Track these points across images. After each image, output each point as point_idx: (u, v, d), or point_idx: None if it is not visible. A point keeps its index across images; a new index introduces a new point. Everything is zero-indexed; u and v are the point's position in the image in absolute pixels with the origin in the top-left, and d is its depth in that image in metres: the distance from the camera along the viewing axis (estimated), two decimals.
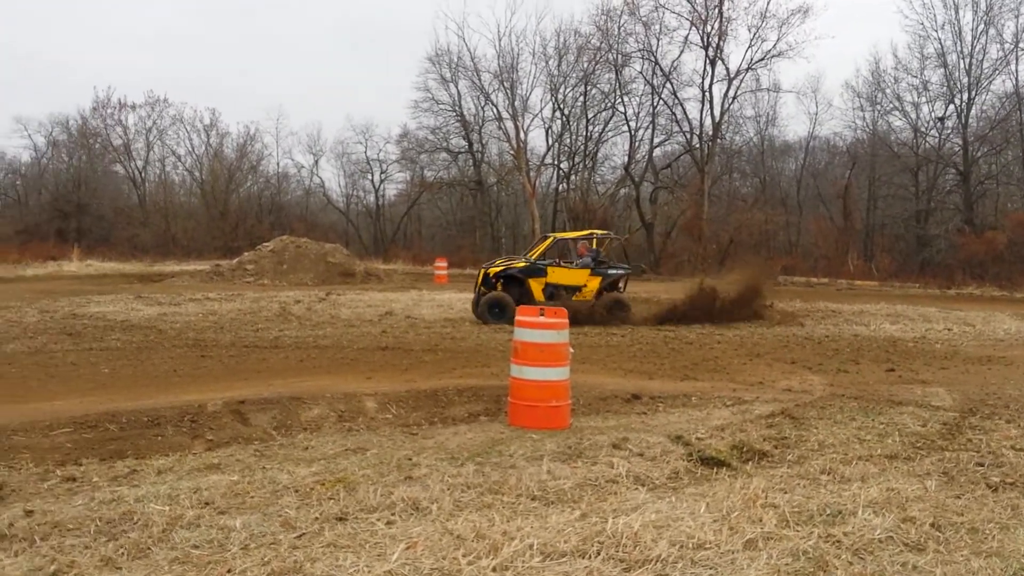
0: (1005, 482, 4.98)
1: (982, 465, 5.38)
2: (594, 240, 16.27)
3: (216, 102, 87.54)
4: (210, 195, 45.30)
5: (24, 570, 3.38)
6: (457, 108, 43.15)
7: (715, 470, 5.24)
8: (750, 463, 5.43)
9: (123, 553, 3.54)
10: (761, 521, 4.10)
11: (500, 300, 14.40)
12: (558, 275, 15.11)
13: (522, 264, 15.27)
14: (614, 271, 15.61)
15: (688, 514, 4.21)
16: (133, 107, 45.56)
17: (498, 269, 15.23)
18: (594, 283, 15.18)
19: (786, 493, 4.64)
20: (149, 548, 3.61)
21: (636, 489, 4.74)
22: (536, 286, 14.88)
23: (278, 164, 49.28)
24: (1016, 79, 34.06)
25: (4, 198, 47.79)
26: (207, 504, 4.20)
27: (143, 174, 47.11)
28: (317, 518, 4.01)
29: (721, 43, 37.29)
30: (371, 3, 77.08)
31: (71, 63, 71.68)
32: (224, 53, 74.37)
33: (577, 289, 15.07)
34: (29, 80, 65.09)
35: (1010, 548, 3.83)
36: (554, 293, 14.89)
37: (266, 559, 3.50)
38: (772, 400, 7.88)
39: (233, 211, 44.69)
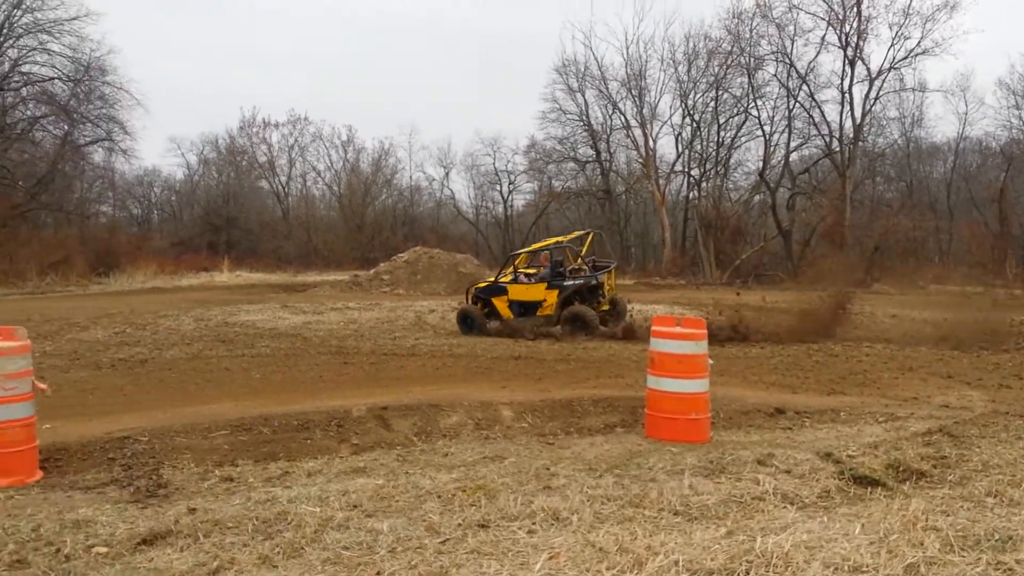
0: None
1: None
2: (567, 250, 15.45)
3: (352, 119, 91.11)
4: (348, 208, 47.19)
5: (189, 565, 3.57)
6: (584, 117, 43.24)
7: (869, 489, 4.96)
8: (907, 483, 5.11)
9: (279, 552, 3.69)
10: (922, 545, 3.84)
11: (467, 312, 14.88)
12: (517, 292, 14.85)
13: (484, 284, 15.55)
14: (571, 283, 14.50)
15: (842, 535, 3.99)
16: (276, 126, 48.24)
17: (479, 287, 15.53)
18: (552, 296, 14.43)
19: (948, 516, 4.33)
20: (303, 548, 3.74)
21: (784, 507, 4.55)
22: (500, 304, 14.86)
23: (410, 177, 50.87)
24: None
25: (161, 213, 51.41)
26: (355, 507, 4.33)
27: (286, 189, 49.69)
28: (460, 524, 4.05)
29: (861, 43, 35.68)
30: (498, 18, 78.47)
31: (221, 86, 76.39)
32: (360, 72, 77.45)
33: (538, 304, 14.57)
34: (183, 103, 69.83)
35: None
36: (522, 311, 14.66)
37: (413, 563, 3.56)
38: (928, 417, 7.41)
39: (369, 223, 46.35)
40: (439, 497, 4.52)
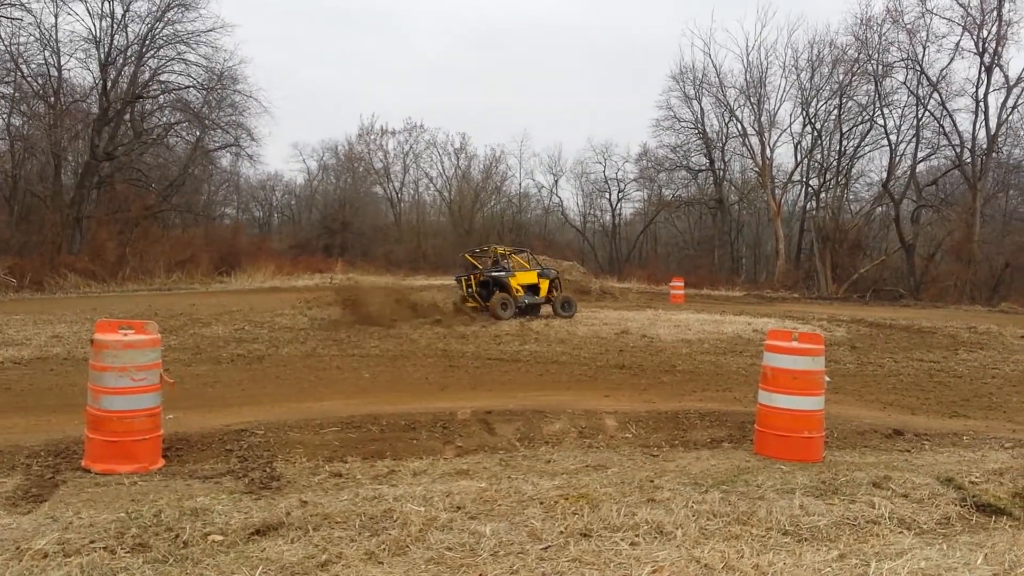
0: None
1: None
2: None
3: (466, 126, 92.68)
4: (457, 214, 47.94)
5: (299, 557, 3.69)
6: (699, 125, 42.58)
7: (993, 518, 4.67)
8: None
9: (384, 549, 3.77)
10: None
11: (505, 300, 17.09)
12: (523, 278, 17.60)
13: (496, 273, 17.62)
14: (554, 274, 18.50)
15: (962, 564, 3.78)
16: (393, 133, 49.51)
17: (492, 275, 17.56)
18: (544, 284, 17.86)
19: None
20: (407, 546, 3.81)
21: (901, 533, 4.34)
22: (514, 284, 17.33)
23: (520, 184, 51.28)
24: None
25: (281, 216, 53.57)
26: (459, 508, 4.38)
27: (399, 195, 50.88)
28: (562, 532, 4.04)
29: (999, 48, 33.70)
30: (615, 26, 78.20)
31: (343, 94, 79.02)
32: (475, 79, 78.65)
33: (537, 286, 17.80)
34: (306, 110, 72.56)
35: None
36: (529, 292, 17.59)
37: (515, 567, 3.57)
38: None
39: (478, 229, 46.90)
40: (541, 503, 4.52)
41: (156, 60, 32.45)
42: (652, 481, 5.15)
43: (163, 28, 31.62)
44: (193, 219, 37.60)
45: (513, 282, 17.32)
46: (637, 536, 4.05)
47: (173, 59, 32.59)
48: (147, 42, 31.50)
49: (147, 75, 32.40)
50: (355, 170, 50.09)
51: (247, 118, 34.68)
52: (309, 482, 5.16)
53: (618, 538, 4.00)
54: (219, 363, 10.37)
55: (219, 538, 3.90)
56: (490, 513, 4.34)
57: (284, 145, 63.05)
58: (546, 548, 3.83)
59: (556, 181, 51.28)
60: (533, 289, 17.72)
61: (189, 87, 33.23)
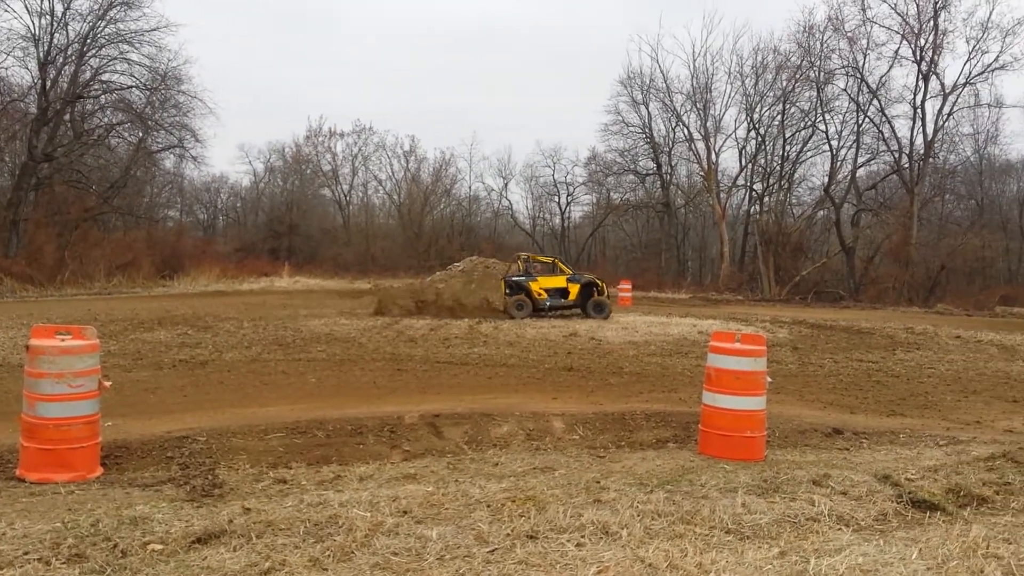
0: None
1: None
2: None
3: (416, 129, 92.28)
4: (406, 217, 47.73)
5: (242, 565, 3.63)
6: (647, 130, 43.10)
7: (928, 514, 4.81)
8: (967, 509, 4.94)
9: (329, 555, 3.73)
10: (982, 573, 3.73)
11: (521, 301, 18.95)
12: (545, 282, 19.40)
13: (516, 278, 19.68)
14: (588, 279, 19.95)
15: (898, 559, 3.89)
16: (342, 135, 49.10)
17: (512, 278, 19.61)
18: (574, 288, 19.43)
19: (1011, 544, 4.18)
20: (353, 552, 3.78)
21: (839, 529, 4.44)
22: (535, 288, 19.18)
23: (470, 187, 51.24)
24: None
25: (226, 219, 52.70)
26: (405, 513, 4.35)
27: (348, 197, 50.47)
28: (509, 534, 4.05)
29: (936, 57, 34.85)
30: (563, 31, 78.68)
31: (291, 95, 78.06)
32: (425, 83, 78.37)
33: (563, 290, 19.34)
34: (252, 111, 71.52)
35: None
36: (551, 295, 19.17)
37: (461, 571, 3.57)
38: (991, 441, 7.18)
39: (427, 232, 46.81)
40: (488, 506, 4.52)
41: (98, 59, 31.76)
42: (598, 482, 5.19)
43: (105, 27, 30.95)
44: (135, 221, 36.80)
45: (534, 286, 19.07)
46: (583, 537, 4.07)
47: (115, 58, 31.93)
48: (88, 41, 30.78)
49: (88, 74, 31.66)
50: (302, 172, 49.54)
51: (191, 119, 34.15)
52: (252, 489, 5.08)
53: (564, 539, 4.02)
54: (161, 369, 10.16)
55: (159, 547, 3.82)
56: (437, 517, 4.32)
57: (230, 146, 62.26)
58: (492, 551, 3.83)
59: (506, 184, 51.50)
60: (561, 293, 19.16)
61: (132, 87, 32.57)
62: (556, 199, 49.93)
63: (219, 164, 78.32)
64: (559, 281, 19.35)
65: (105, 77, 32.27)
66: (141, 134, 34.15)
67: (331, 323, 15.95)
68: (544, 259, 21.38)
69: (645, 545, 3.98)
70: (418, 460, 5.99)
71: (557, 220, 50.47)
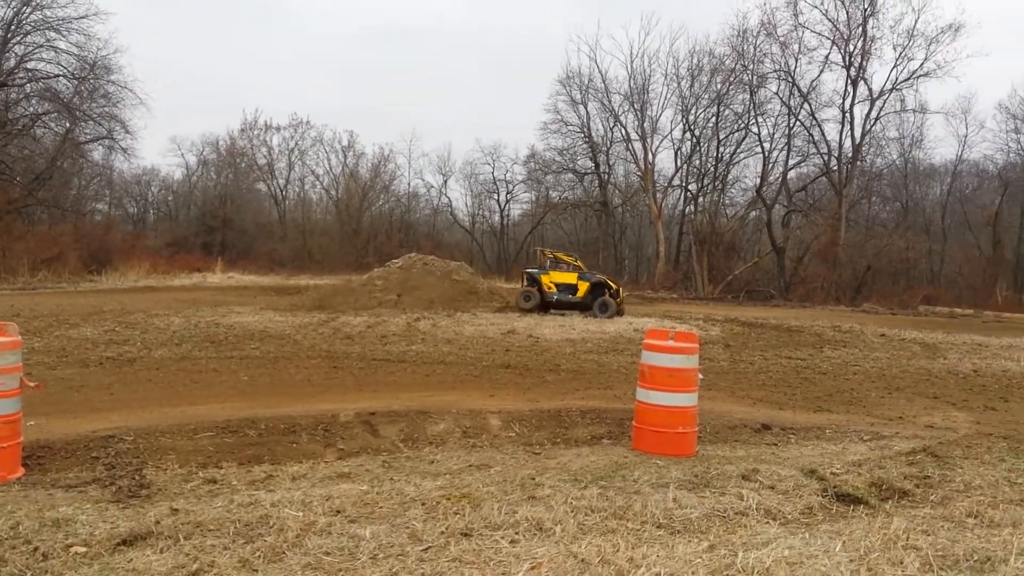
0: None
1: None
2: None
3: (354, 124, 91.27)
4: (344, 213, 47.21)
5: (168, 567, 3.55)
6: (585, 129, 43.50)
7: (852, 507, 4.97)
8: (889, 502, 5.13)
9: (260, 556, 3.68)
10: (902, 563, 3.86)
11: (529, 292, 20.13)
12: (557, 276, 20.29)
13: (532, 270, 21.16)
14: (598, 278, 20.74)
15: (823, 552, 4.01)
16: (278, 128, 48.30)
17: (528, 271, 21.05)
18: (583, 285, 20.22)
19: (929, 535, 4.35)
20: (284, 552, 3.73)
21: (767, 523, 4.56)
22: (545, 281, 20.16)
23: (409, 184, 51.10)
24: None
25: (157, 213, 51.38)
26: (338, 512, 4.32)
27: (284, 192, 49.71)
28: (443, 532, 4.05)
29: (864, 63, 36.01)
30: (504, 29, 78.74)
31: (225, 88, 76.46)
32: (363, 78, 77.64)
33: (572, 286, 20.19)
34: (186, 103, 69.83)
35: None
36: (560, 289, 20.00)
37: (394, 570, 3.56)
38: (913, 436, 7.44)
39: (365, 228, 46.39)
40: (423, 504, 4.51)
41: (23, 47, 30.64)
42: (534, 479, 5.22)
43: (31, 13, 29.87)
44: (61, 215, 35.61)
45: (545, 279, 20.08)
46: (517, 533, 4.10)
47: (42, 46, 30.84)
48: (12, 27, 29.66)
49: (12, 62, 30.50)
50: (237, 166, 48.60)
51: (121, 110, 33.20)
52: (181, 489, 4.97)
53: (499, 536, 4.04)
54: (87, 366, 9.85)
55: (82, 550, 3.72)
56: (371, 516, 4.30)
57: (161, 139, 60.67)
58: (426, 549, 3.83)
59: (445, 181, 51.32)
60: (570, 289, 19.99)
61: (59, 76, 31.51)
62: (495, 197, 50.11)
63: (150, 156, 76.38)
64: (570, 277, 20.16)
65: (31, 65, 31.19)
66: (68, 124, 33.06)
67: (265, 320, 15.68)
68: (568, 258, 21.95)
69: (578, 540, 4.02)
70: (353, 459, 5.94)
71: (496, 218, 50.65)
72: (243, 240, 45.27)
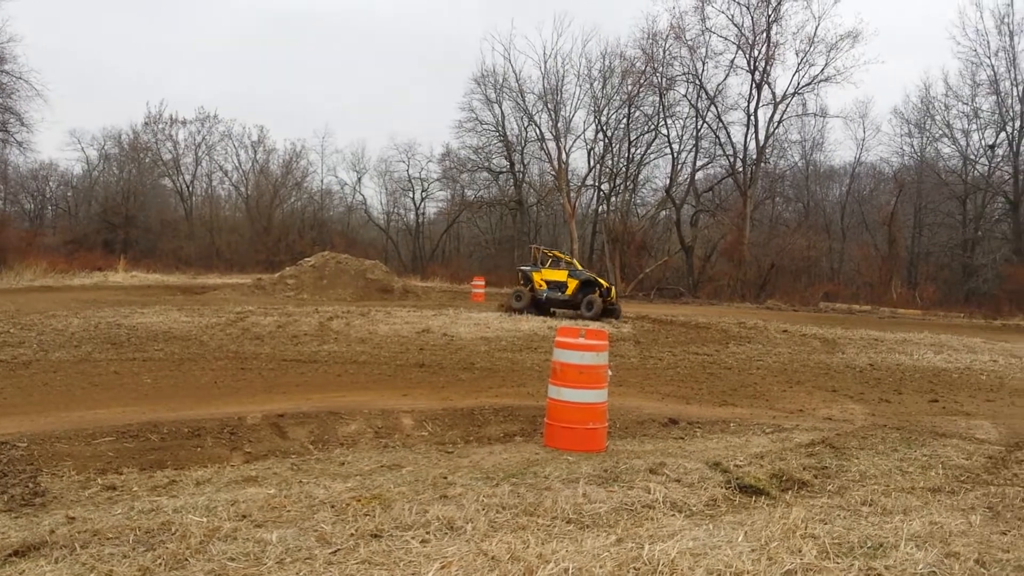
0: None
1: None
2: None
3: (265, 120, 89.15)
4: (255, 210, 46.06)
5: None
6: (500, 128, 43.60)
7: (754, 498, 5.15)
8: (789, 492, 5.33)
9: (160, 564, 3.57)
10: (800, 552, 4.02)
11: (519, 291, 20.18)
12: (548, 274, 20.04)
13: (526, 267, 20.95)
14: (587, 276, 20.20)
15: (726, 542, 4.14)
16: (184, 123, 46.67)
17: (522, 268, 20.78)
18: (572, 283, 19.70)
19: (826, 524, 4.54)
20: (186, 560, 3.64)
21: (673, 515, 4.67)
22: (536, 278, 20.01)
23: (322, 181, 50.19)
24: None
25: (55, 209, 49.08)
26: (244, 517, 4.23)
27: (190, 188, 48.12)
28: (353, 534, 4.01)
29: (768, 67, 37.22)
30: (417, 24, 78.22)
31: (127, 79, 73.57)
32: (275, 72, 75.92)
33: (563, 284, 19.68)
34: (86, 95, 66.93)
35: None
36: (551, 287, 19.79)
37: (301, 573, 3.51)
38: (812, 429, 7.75)
39: (276, 226, 45.37)
40: (332, 507, 4.46)
41: None
42: (445, 478, 5.22)
43: None
44: None
45: (536, 276, 19.97)
46: (428, 533, 4.09)
47: None
48: None
49: None
50: (140, 161, 46.76)
51: (16, 101, 31.63)
52: (78, 497, 4.78)
53: (409, 536, 4.02)
54: None
55: None
56: (278, 520, 4.23)
57: (60, 132, 57.65)
58: (335, 552, 3.78)
59: (359, 179, 50.85)
60: (560, 286, 19.60)
61: None
62: (411, 194, 49.71)
63: (47, 150, 72.74)
64: (560, 275, 19.91)
65: None
66: None
67: (170, 320, 15.18)
68: (563, 256, 22.14)
69: (489, 538, 4.04)
70: (260, 462, 5.82)
71: (412, 216, 50.28)
72: (147, 238, 43.67)
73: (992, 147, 35.90)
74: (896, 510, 4.89)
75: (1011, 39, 34.25)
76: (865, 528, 4.49)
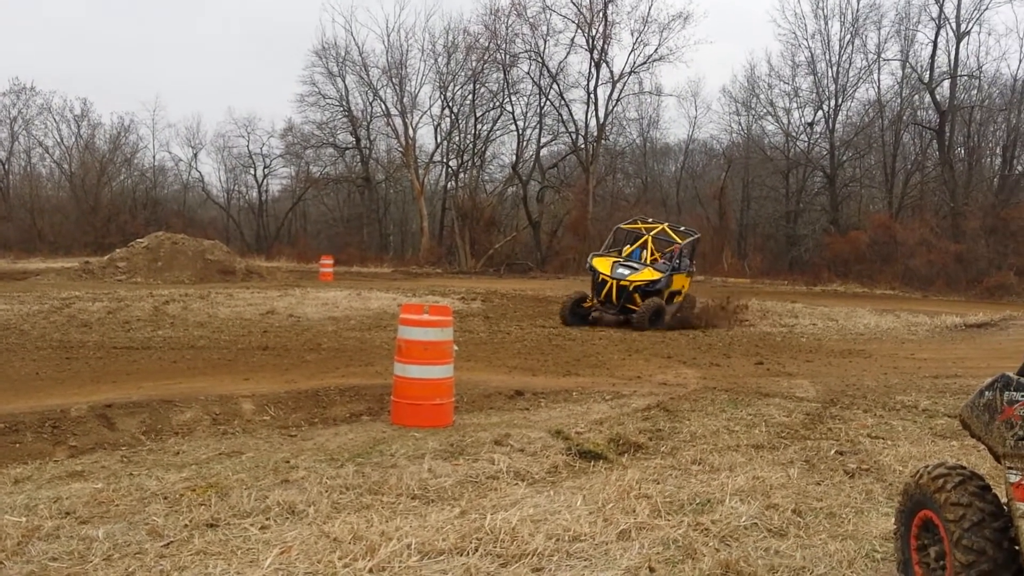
0: (861, 468, 5.29)
1: (841, 453, 5.70)
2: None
3: (88, 92, 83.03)
4: (80, 189, 42.94)
5: None
6: (344, 103, 42.57)
7: (592, 463, 5.36)
8: (626, 455, 5.58)
9: None
10: (634, 512, 4.22)
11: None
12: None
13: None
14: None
15: (565, 507, 4.29)
16: None
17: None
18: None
19: (659, 484, 4.80)
20: (2, 563, 3.40)
21: (516, 484, 4.80)
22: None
23: (154, 157, 47.34)
24: (879, 88, 36.38)
25: None
26: (68, 514, 4.00)
27: (7, 166, 44.20)
28: (187, 525, 3.87)
29: (605, 46, 38.18)
30: None
31: None
32: (98, 41, 70.70)
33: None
34: None
35: (864, 531, 4.08)
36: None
37: (130, 569, 3.36)
38: (648, 394, 8.12)
39: (105, 206, 42.54)
40: (165, 498, 4.29)
41: None
42: (288, 462, 5.12)
43: None
44: None
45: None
46: (268, 519, 4.02)
47: None
48: None
49: None
50: None
51: None
52: None
53: (247, 524, 3.93)
54: None
55: None
56: (105, 515, 4.02)
57: None
58: (167, 544, 3.64)
59: (195, 155, 48.10)
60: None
61: None
62: (252, 171, 47.79)
63: None
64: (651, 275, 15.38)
65: None
66: None
67: None
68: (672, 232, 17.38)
69: (331, 520, 4.01)
70: (87, 456, 5.49)
71: (254, 194, 48.40)
72: None
73: (811, 124, 38.50)
74: (723, 467, 5.22)
75: (826, 23, 36.74)
76: (694, 486, 4.77)
